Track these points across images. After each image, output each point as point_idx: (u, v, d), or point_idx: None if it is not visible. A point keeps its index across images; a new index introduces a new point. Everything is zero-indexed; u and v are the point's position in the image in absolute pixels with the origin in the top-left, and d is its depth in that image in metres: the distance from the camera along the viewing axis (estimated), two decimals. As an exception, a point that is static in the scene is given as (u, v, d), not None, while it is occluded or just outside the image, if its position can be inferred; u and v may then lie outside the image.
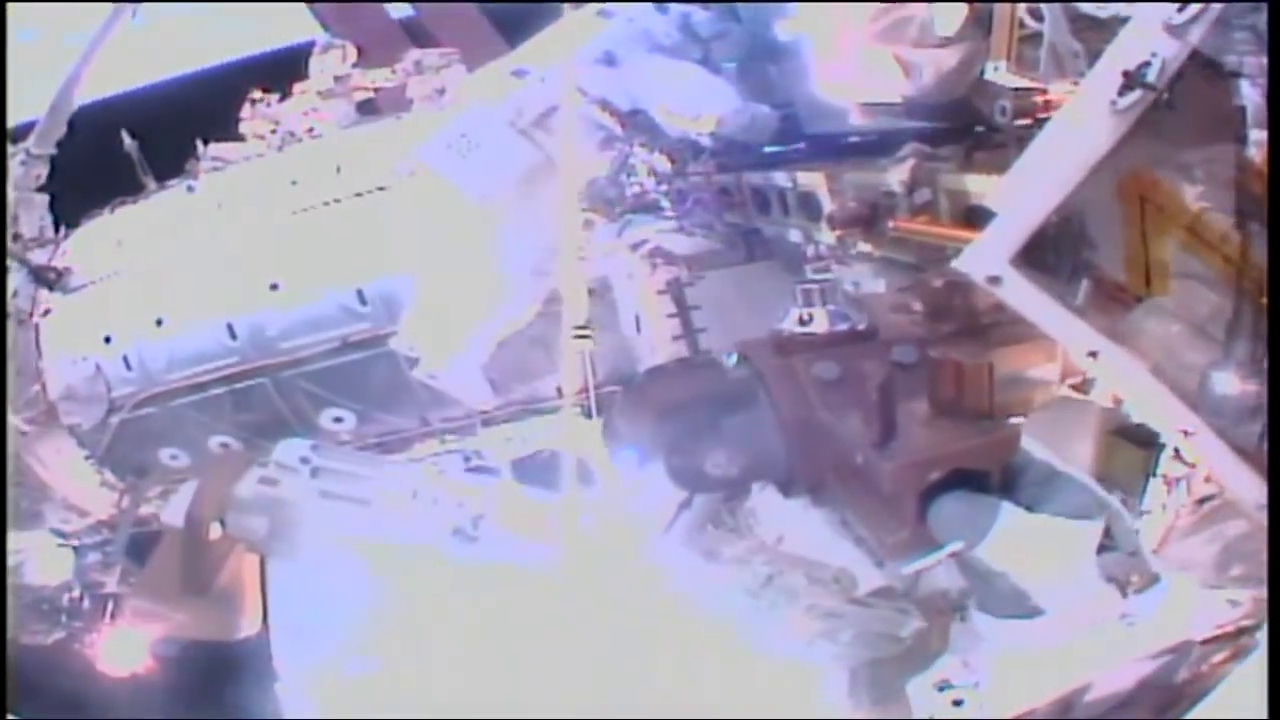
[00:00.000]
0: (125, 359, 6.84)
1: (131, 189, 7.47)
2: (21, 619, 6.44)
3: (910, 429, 2.77)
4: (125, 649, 6.58)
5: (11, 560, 6.68)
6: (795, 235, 5.51)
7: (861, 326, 3.29)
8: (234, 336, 6.82)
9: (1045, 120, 3.52)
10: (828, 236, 5.14)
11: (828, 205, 5.00)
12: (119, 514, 7.00)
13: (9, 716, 3.79)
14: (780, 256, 6.02)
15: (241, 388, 6.93)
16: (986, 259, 3.13)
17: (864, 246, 4.98)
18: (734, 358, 3.32)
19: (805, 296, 3.36)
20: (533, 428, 7.14)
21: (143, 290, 6.88)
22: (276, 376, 6.93)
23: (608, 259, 6.49)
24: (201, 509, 3.03)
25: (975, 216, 4.23)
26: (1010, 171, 3.24)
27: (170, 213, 7.21)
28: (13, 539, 6.71)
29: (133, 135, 7.61)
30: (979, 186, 4.05)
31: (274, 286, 6.76)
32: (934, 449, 2.75)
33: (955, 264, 3.15)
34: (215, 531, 2.99)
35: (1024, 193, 3.20)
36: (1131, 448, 3.49)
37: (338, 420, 7.05)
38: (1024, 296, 3.12)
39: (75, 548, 7.02)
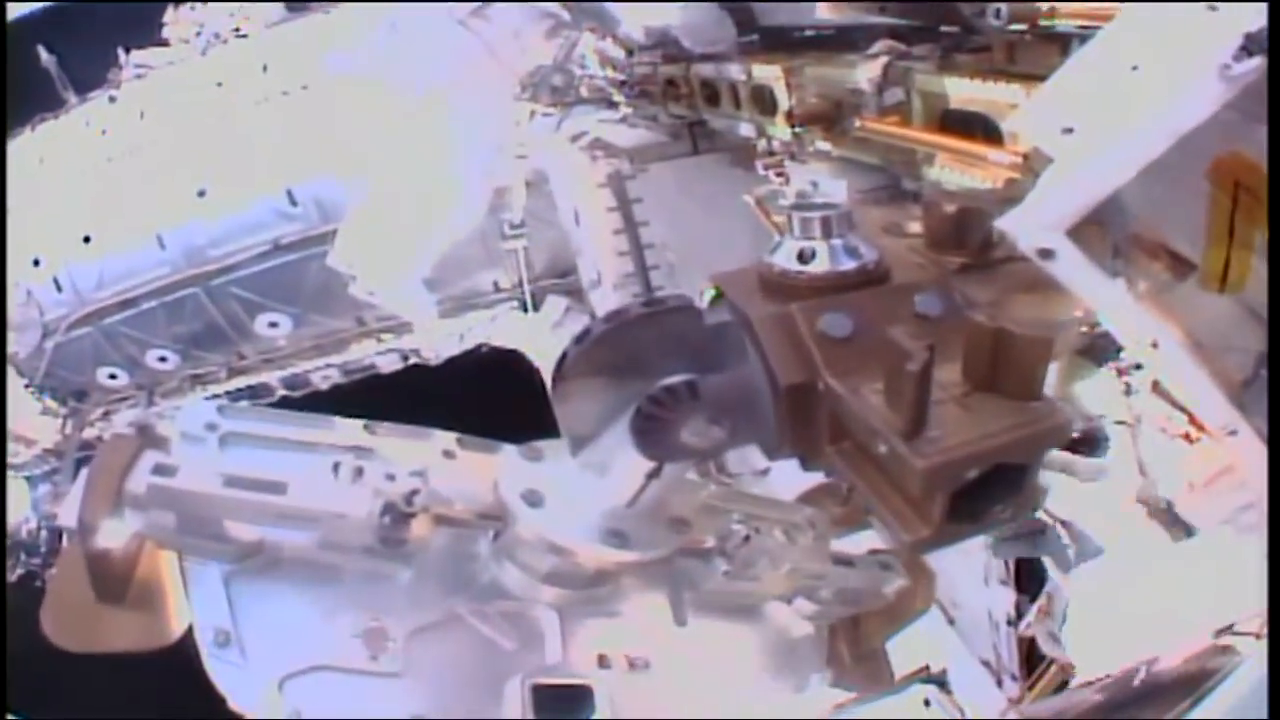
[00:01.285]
0: (55, 280, 6.65)
1: (52, 105, 7.12)
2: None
3: (944, 413, 2.10)
4: None
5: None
6: (746, 129, 5.39)
7: (872, 266, 2.47)
8: (163, 247, 6.63)
9: (1046, 28, 3.46)
10: (783, 132, 5.06)
11: (785, 100, 4.90)
12: (64, 440, 6.85)
13: (9, 716, 3.71)
14: (727, 150, 5.90)
15: (174, 299, 6.79)
16: (1039, 225, 2.61)
17: (822, 145, 4.91)
18: (711, 294, 2.61)
19: (804, 225, 2.47)
20: (469, 323, 7.11)
21: (68, 208, 6.60)
22: (208, 285, 6.81)
23: (546, 152, 6.33)
24: (93, 511, 2.57)
25: (950, 122, 4.17)
26: (1082, 126, 2.71)
27: (93, 125, 6.92)
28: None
29: (51, 49, 7.30)
30: (957, 90, 3.97)
31: (201, 193, 6.57)
32: (974, 443, 2.09)
33: (1000, 223, 2.64)
34: (115, 532, 2.55)
35: (1098, 153, 2.63)
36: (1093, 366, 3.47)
37: (273, 325, 7.01)
38: (1079, 275, 2.68)
39: (28, 479, 6.86)
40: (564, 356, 2.40)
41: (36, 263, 6.62)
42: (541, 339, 6.92)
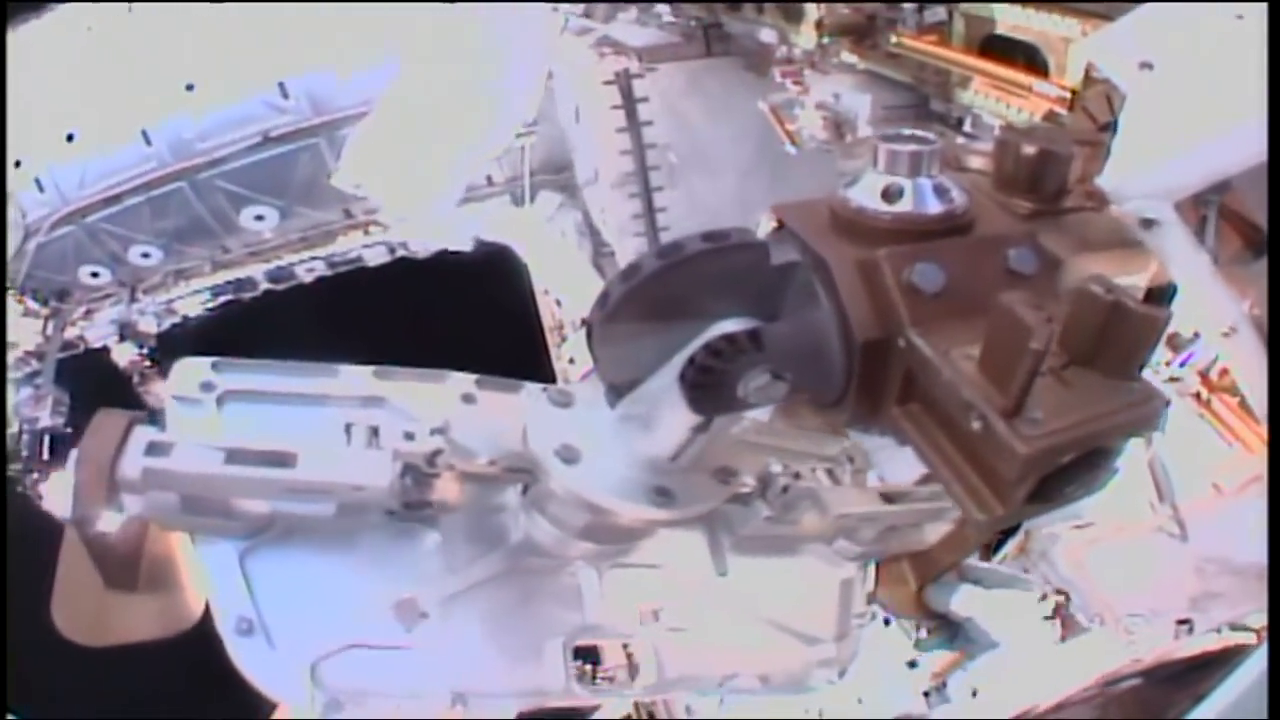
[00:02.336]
0: (37, 181, 6.35)
1: (35, 5, 6.70)
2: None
3: (1042, 388, 1.90)
4: (64, 492, 6.44)
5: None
6: (767, 35, 5.32)
7: (960, 211, 2.18)
8: (149, 143, 6.39)
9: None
10: (807, 40, 5.01)
11: (814, 8, 4.84)
12: (45, 342, 6.68)
13: (9, 717, 3.66)
14: (742, 55, 5.82)
15: (159, 194, 6.58)
16: (1146, 191, 2.43)
17: (849, 57, 4.87)
18: (767, 224, 2.26)
19: (891, 160, 2.16)
20: (462, 216, 7.02)
21: (51, 107, 6.27)
22: (194, 179, 6.61)
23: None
24: (87, 502, 2.20)
25: (992, 46, 4.16)
26: (1162, 64, 2.52)
27: (77, 22, 6.48)
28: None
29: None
30: (1005, 16, 3.98)
31: (190, 88, 6.30)
32: (1077, 428, 1.90)
33: (1101, 180, 2.48)
34: (112, 518, 2.19)
35: (1238, 121, 2.37)
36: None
37: (259, 219, 6.87)
38: (1178, 250, 2.53)
39: (14, 381, 6.68)
40: (606, 295, 2.08)
41: (18, 164, 6.31)
42: (533, 233, 6.86)
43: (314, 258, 7.23)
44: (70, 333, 6.86)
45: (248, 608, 2.32)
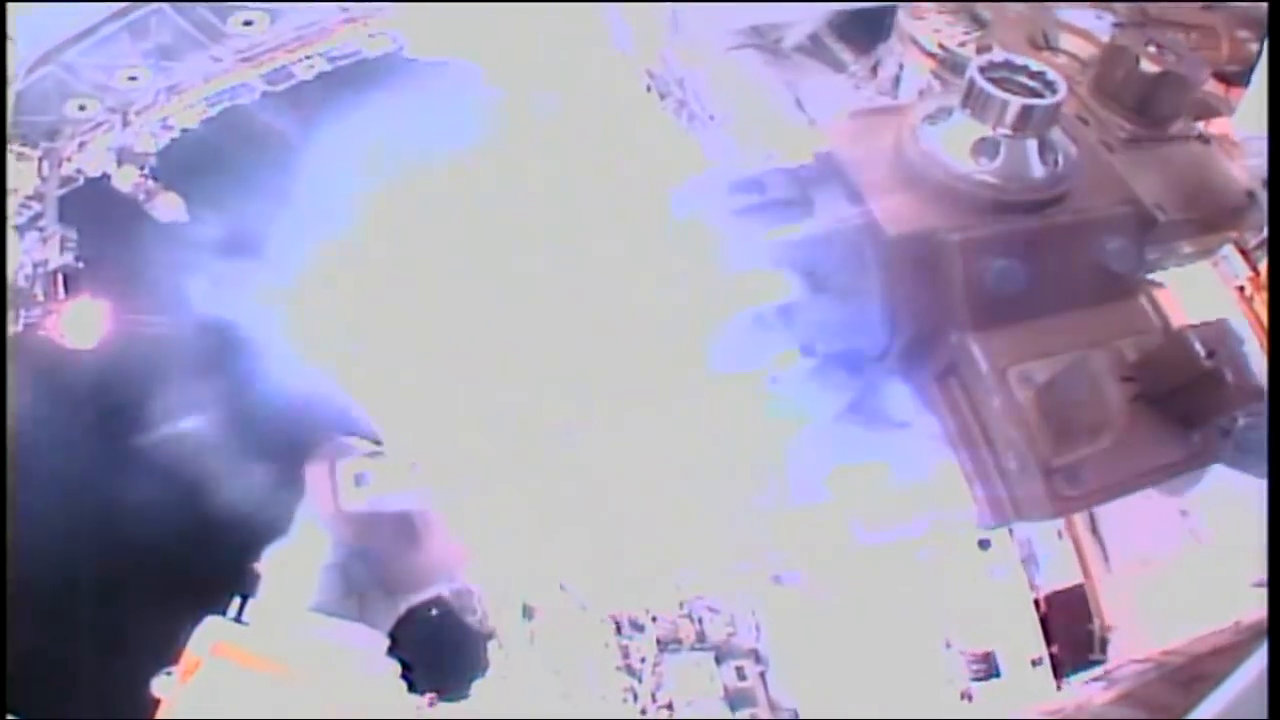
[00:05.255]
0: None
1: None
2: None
3: (1099, 431, 1.64)
4: (85, 322, 6.33)
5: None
6: None
7: (1064, 182, 1.67)
8: (120, -29, 5.68)
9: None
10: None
11: None
12: (43, 183, 6.23)
13: (9, 717, 3.64)
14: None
15: (137, 18, 5.92)
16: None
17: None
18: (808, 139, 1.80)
19: (987, 107, 1.60)
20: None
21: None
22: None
23: None
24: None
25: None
26: None
27: None
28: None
29: None
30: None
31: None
32: (1121, 485, 1.64)
33: (1235, 120, 2.06)
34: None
35: None
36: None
37: (247, 24, 6.29)
38: None
39: (16, 228, 6.28)
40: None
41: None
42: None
43: (312, 54, 6.66)
44: (67, 169, 6.39)
45: None
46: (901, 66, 4.93)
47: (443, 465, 2.13)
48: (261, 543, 2.04)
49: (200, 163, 7.23)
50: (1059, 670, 4.94)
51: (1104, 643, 4.75)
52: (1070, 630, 4.95)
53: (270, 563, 1.97)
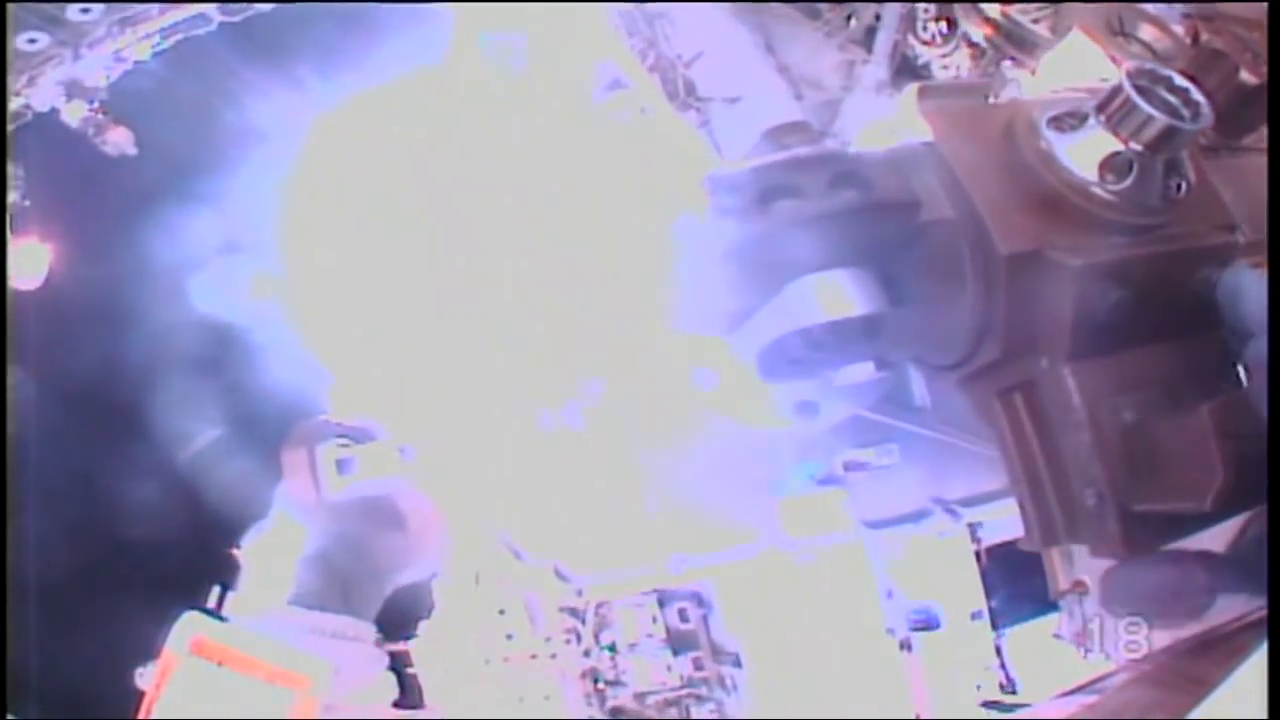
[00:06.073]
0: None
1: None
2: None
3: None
4: (31, 260, 6.20)
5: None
6: None
7: (1174, 209, 1.53)
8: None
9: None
10: None
11: None
12: (-7, 117, 6.00)
13: (9, 717, 3.61)
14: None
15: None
16: None
17: None
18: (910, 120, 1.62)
19: (1130, 118, 1.46)
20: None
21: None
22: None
23: None
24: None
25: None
26: None
27: None
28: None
29: None
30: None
31: None
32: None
33: None
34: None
35: None
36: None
37: None
38: None
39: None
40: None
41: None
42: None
43: (273, -21, 6.44)
44: (15, 104, 6.15)
45: None
46: (878, 17, 4.82)
47: (430, 445, 2.11)
48: (238, 529, 1.99)
49: (152, 96, 7.03)
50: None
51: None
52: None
53: (250, 552, 1.93)
